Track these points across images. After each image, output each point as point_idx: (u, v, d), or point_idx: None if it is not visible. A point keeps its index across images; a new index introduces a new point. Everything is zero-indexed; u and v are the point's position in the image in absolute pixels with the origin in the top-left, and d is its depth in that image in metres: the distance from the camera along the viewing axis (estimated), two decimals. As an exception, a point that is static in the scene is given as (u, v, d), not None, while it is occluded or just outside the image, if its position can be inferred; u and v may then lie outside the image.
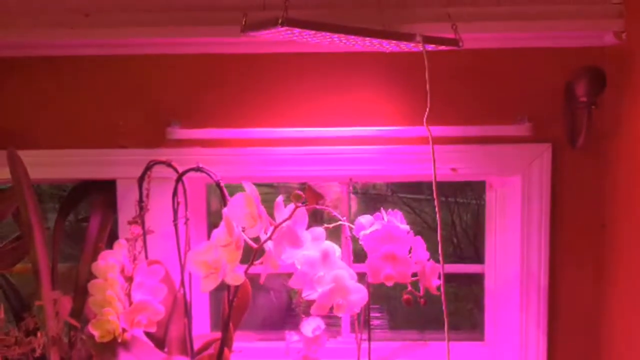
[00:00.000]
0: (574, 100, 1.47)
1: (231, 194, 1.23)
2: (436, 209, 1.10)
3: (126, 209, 1.57)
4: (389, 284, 1.11)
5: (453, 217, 3.69)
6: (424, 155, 1.53)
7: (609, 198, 1.54)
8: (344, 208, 1.68)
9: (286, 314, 2.55)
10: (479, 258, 1.72)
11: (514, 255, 1.59)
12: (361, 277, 1.22)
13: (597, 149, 1.53)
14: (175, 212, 1.33)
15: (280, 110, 1.56)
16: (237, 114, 1.56)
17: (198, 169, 1.28)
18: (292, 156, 1.56)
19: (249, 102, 1.56)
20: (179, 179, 1.32)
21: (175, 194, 1.33)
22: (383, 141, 1.55)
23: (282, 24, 1.06)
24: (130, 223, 1.44)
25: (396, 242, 1.12)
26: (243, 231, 1.11)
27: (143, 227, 1.42)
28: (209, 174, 1.27)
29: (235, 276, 1.12)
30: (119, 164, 1.57)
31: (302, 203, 1.06)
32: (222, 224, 1.14)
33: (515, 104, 1.54)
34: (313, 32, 1.12)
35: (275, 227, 1.10)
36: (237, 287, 1.19)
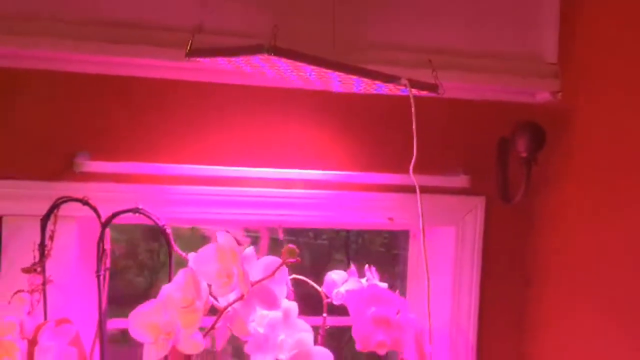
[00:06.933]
0: (513, 155, 1.47)
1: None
2: (425, 262, 1.00)
3: (12, 252, 1.30)
4: (381, 352, 0.98)
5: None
6: (364, 203, 1.47)
7: (538, 255, 1.55)
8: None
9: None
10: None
11: (443, 309, 1.54)
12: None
13: (529, 205, 1.53)
14: (99, 260, 1.11)
15: (207, 145, 1.39)
16: (158, 147, 1.37)
17: (137, 211, 1.08)
18: (216, 197, 1.39)
19: (173, 133, 1.38)
20: (107, 222, 1.10)
21: (101, 239, 1.11)
22: (315, 185, 1.44)
23: (270, 52, 0.92)
24: (27, 271, 1.22)
25: (384, 303, 0.99)
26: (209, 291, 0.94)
27: (44, 277, 1.20)
28: (151, 218, 1.07)
29: (193, 344, 0.93)
30: (7, 198, 1.30)
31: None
32: (177, 279, 0.95)
33: (453, 155, 1.51)
34: (292, 64, 0.99)
35: (252, 285, 0.94)
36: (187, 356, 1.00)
